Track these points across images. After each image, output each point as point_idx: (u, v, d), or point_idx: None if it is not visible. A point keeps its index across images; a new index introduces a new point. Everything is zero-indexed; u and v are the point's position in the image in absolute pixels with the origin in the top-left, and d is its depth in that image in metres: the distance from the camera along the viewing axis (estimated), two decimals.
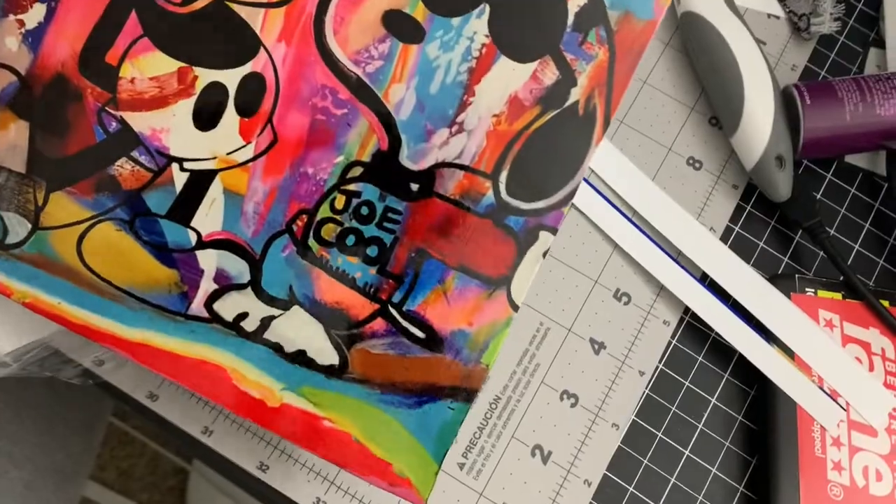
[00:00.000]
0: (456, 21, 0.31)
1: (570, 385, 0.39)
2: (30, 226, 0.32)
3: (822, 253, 0.43)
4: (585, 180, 0.38)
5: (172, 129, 0.32)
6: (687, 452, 0.39)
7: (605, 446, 0.38)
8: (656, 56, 0.45)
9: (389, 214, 0.32)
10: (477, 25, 0.31)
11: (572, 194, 0.31)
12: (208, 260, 0.32)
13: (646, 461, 0.39)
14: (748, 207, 0.43)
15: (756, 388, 0.41)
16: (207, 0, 0.31)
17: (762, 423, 0.39)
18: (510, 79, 0.31)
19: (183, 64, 0.32)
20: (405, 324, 0.32)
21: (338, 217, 0.32)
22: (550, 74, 0.31)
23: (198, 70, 0.32)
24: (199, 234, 0.32)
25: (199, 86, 0.32)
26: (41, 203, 0.32)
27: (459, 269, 0.32)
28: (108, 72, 0.32)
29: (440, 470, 0.32)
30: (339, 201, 0.32)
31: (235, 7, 0.31)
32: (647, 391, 0.40)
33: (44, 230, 0.32)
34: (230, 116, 0.32)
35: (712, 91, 0.43)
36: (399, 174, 0.31)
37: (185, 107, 0.32)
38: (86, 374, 0.35)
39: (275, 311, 0.32)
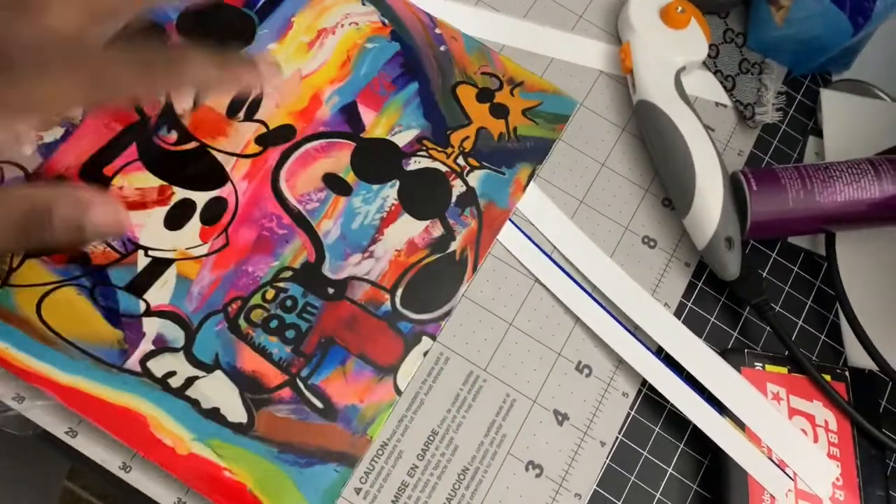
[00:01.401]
0: (375, 186, 0.44)
1: (536, 456, 0.41)
2: None
3: (768, 328, 0.47)
4: (549, 257, 0.45)
5: (146, 225, 0.40)
6: None
7: None
8: (613, 140, 0.49)
9: (308, 308, 0.40)
10: (390, 192, 0.44)
11: (448, 313, 0.42)
12: (151, 325, 0.39)
13: None
14: (700, 284, 0.47)
15: (710, 458, 0.43)
16: (194, 145, 0.43)
17: (716, 492, 0.42)
18: (409, 228, 0.43)
19: (164, 183, 0.42)
20: (308, 394, 0.39)
21: (266, 305, 0.40)
22: (437, 231, 0.44)
23: (175, 188, 0.42)
24: (148, 304, 0.39)
25: (175, 199, 0.41)
26: (15, 266, 0.39)
27: (358, 356, 0.40)
28: (103, 180, 0.41)
29: None
30: (270, 293, 0.40)
31: (214, 152, 0.43)
32: (607, 461, 0.42)
33: (10, 286, 0.38)
34: (194, 223, 0.41)
35: (665, 174, 0.47)
36: (320, 280, 0.41)
37: (160, 212, 0.41)
38: (24, 423, 0.37)
39: (199, 373, 0.38)
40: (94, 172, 0.41)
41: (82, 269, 0.39)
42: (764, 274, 0.49)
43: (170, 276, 0.40)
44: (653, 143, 0.48)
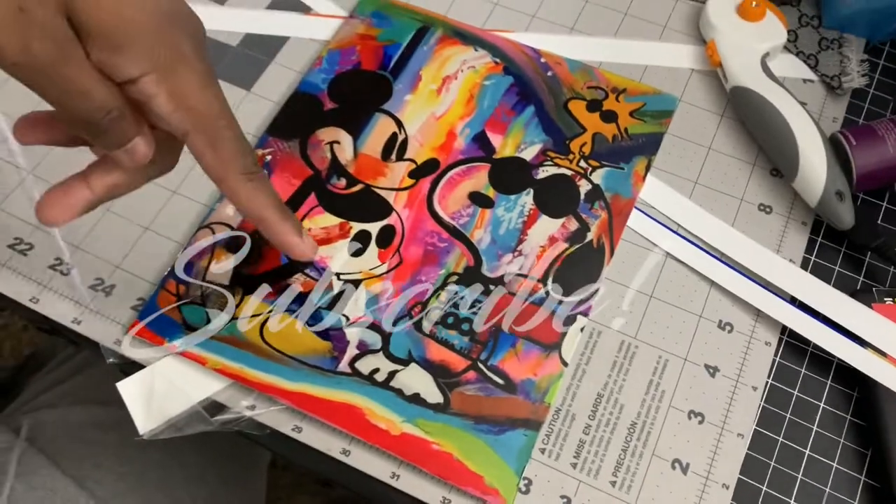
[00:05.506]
0: (513, 196, 0.51)
1: (695, 405, 0.46)
2: (227, 318, 0.47)
3: (892, 268, 0.50)
4: (676, 233, 0.51)
5: (334, 256, 0.49)
6: (807, 451, 0.45)
7: (732, 455, 0.45)
8: (715, 126, 0.55)
9: (475, 303, 0.48)
10: (526, 199, 0.51)
11: (595, 293, 0.48)
12: (353, 334, 0.47)
13: (772, 463, 0.45)
14: (819, 239, 0.51)
15: (858, 388, 0.46)
16: (360, 186, 0.51)
17: (870, 419, 0.45)
18: (549, 227, 0.50)
19: (343, 220, 0.50)
20: (489, 374, 0.45)
21: (441, 306, 0.47)
22: (573, 225, 0.50)
23: (352, 223, 0.50)
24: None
25: (353, 231, 0.50)
26: (237, 302, 0.47)
27: (525, 338, 0.47)
28: None
29: (520, 482, 0.43)
30: (442, 296, 0.48)
31: (377, 190, 0.51)
32: (762, 403, 0.46)
33: (237, 319, 0.47)
34: (372, 248, 0.49)
35: (769, 147, 0.52)
36: (482, 279, 0.48)
37: (343, 244, 0.49)
38: (258, 426, 0.45)
39: (398, 367, 0.46)
40: None
41: (289, 297, 0.48)
42: (878, 221, 0.52)
43: (360, 293, 0.48)
44: (752, 122, 0.53)
